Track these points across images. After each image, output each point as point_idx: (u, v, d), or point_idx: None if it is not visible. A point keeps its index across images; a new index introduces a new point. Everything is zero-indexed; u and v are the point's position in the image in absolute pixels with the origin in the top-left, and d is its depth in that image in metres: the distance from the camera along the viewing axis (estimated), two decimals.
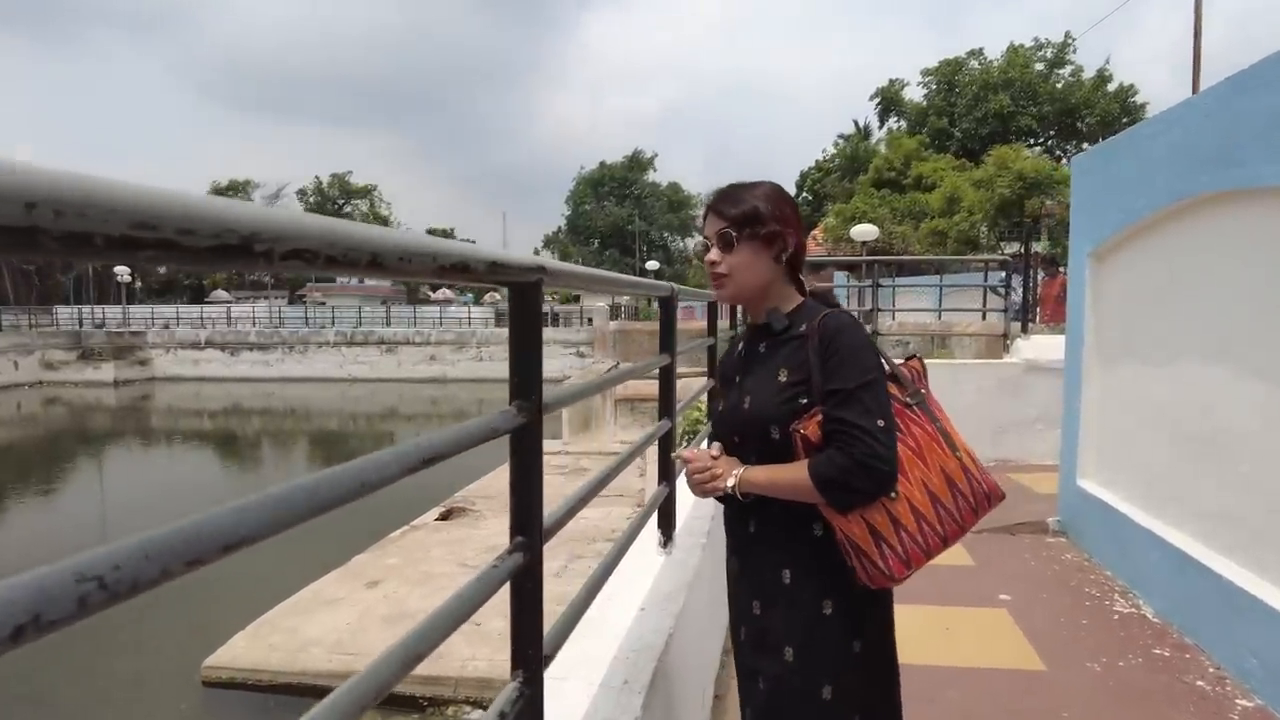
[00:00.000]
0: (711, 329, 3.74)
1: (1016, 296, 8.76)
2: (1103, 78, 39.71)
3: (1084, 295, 4.56)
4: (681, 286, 2.63)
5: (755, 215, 1.50)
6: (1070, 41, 40.92)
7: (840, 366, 1.43)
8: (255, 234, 0.56)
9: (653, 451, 2.59)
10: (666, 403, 2.48)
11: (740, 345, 1.66)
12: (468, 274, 0.93)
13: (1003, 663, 3.23)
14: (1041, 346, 6.51)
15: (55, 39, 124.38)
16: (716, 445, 1.61)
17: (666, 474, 2.52)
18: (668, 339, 2.46)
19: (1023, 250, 7.04)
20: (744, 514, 1.55)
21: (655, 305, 2.26)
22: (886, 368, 1.52)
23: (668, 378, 2.47)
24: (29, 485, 17.36)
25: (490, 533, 8.49)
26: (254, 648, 6.22)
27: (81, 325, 38.27)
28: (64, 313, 41.31)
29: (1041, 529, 4.95)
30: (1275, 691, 2.78)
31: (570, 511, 1.41)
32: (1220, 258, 3.29)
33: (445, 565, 7.49)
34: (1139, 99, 38.31)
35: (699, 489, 1.57)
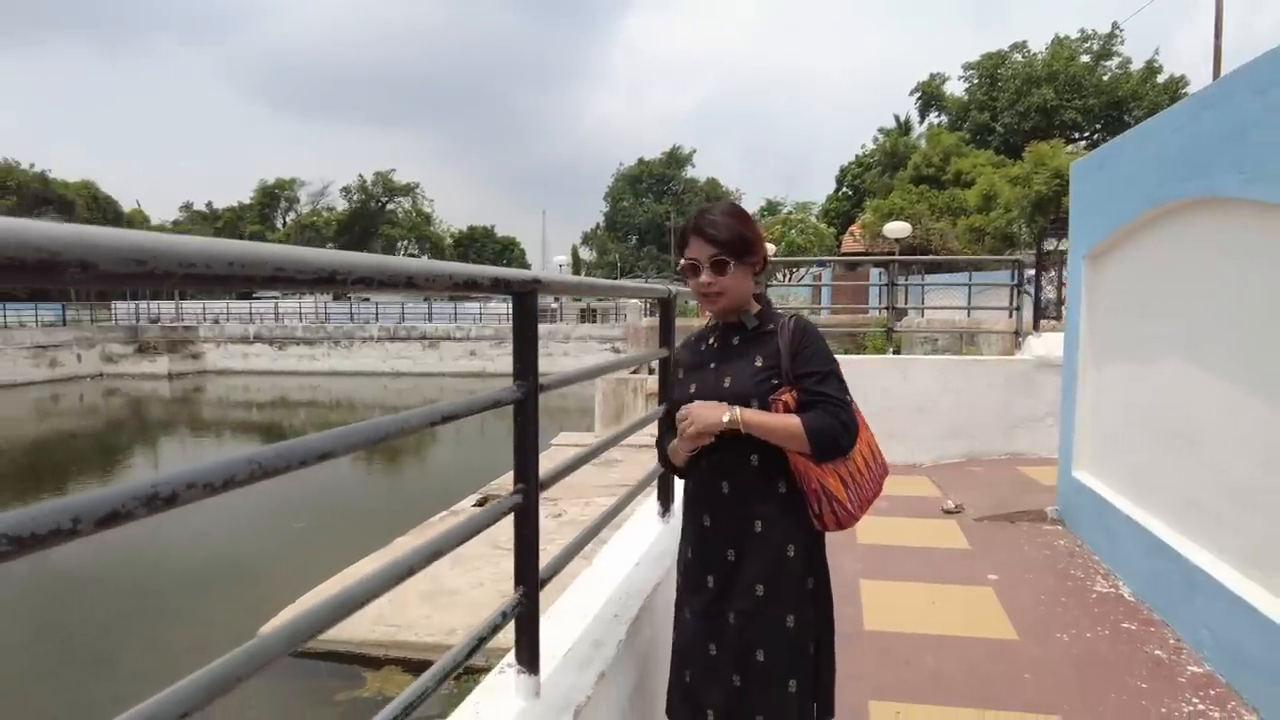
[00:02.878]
0: None
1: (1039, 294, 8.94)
2: (1152, 69, 38.86)
3: (1080, 296, 4.79)
4: (681, 288, 2.96)
5: (746, 243, 1.79)
6: (1118, 32, 40.13)
7: (814, 356, 1.79)
8: (343, 268, 0.93)
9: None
10: (665, 391, 2.84)
11: (711, 339, 1.96)
12: (477, 287, 1.30)
13: (979, 633, 3.52)
14: (1052, 344, 6.70)
15: (111, 45, 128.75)
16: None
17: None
18: (666, 334, 2.81)
19: (1037, 249, 7.21)
20: (716, 478, 1.85)
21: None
22: None
23: (666, 369, 2.82)
24: (94, 470, 18.37)
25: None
26: None
27: (138, 320, 39.79)
28: (122, 308, 42.93)
29: (1040, 518, 5.19)
30: (1222, 659, 3.05)
31: (564, 471, 1.79)
32: (1189, 262, 3.54)
33: (479, 547, 7.93)
34: (1191, 90, 37.37)
35: (701, 424, 1.76)
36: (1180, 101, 3.54)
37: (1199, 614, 3.23)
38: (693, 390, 1.90)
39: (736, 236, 1.78)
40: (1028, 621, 3.62)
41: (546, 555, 1.72)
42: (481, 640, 1.38)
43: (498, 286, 1.38)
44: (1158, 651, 3.29)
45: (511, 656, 1.65)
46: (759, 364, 1.81)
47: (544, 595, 1.64)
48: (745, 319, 1.88)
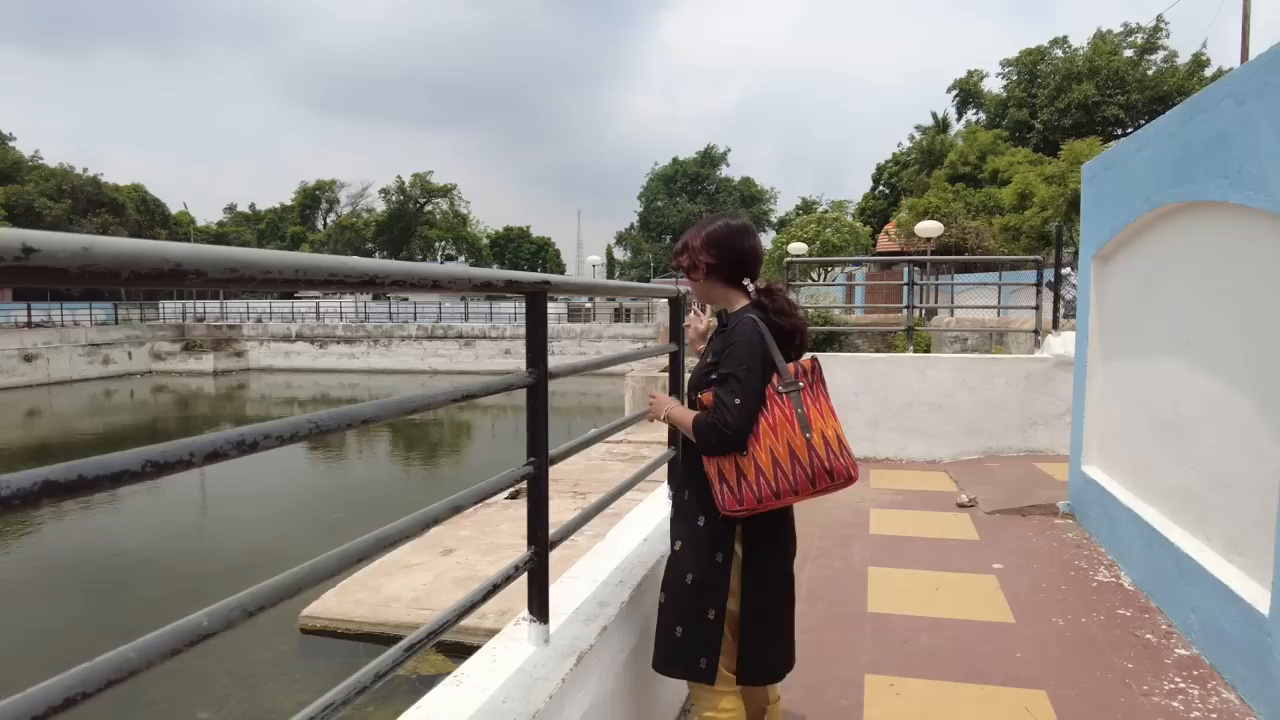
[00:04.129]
0: None
1: (1066, 294, 8.98)
2: (1199, 62, 38.00)
3: (1089, 295, 4.92)
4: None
5: (685, 257, 2.18)
6: (1162, 25, 39.32)
7: (729, 356, 1.98)
8: (382, 273, 1.19)
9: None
10: (675, 382, 3.07)
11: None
12: (492, 288, 1.55)
13: (977, 616, 3.69)
14: (1070, 342, 6.78)
15: (161, 52, 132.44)
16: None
17: (674, 439, 3.11)
18: (676, 332, 3.04)
19: (1056, 247, 7.28)
20: (676, 453, 2.31)
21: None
22: (774, 363, 2.00)
23: (676, 363, 3.06)
24: None
25: (552, 509, 9.18)
26: (343, 602, 7.08)
27: (185, 319, 41.00)
28: (169, 307, 44.27)
29: (1052, 511, 5.32)
30: (1207, 642, 3.19)
31: (571, 449, 2.03)
32: (1182, 263, 3.67)
33: (511, 537, 8.24)
34: None
35: (653, 412, 2.26)
36: (1175, 107, 3.68)
37: (1188, 599, 3.37)
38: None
39: (680, 254, 2.19)
40: (1026, 606, 3.78)
41: (575, 548, 1.99)
42: (496, 586, 1.63)
43: (511, 287, 1.63)
44: (1148, 635, 3.43)
45: (525, 610, 1.90)
46: (708, 360, 2.12)
47: (559, 565, 1.90)
48: (719, 318, 2.20)
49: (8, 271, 0.70)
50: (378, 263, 1.17)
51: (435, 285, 1.33)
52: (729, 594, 2.04)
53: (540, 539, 1.81)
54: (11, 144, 53.03)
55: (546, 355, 1.78)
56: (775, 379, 1.98)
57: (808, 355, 2.13)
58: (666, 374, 15.18)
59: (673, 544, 2.16)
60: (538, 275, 1.75)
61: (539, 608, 1.85)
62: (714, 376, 2.00)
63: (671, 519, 2.23)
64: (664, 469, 3.17)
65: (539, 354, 1.77)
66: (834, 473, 1.93)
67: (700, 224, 2.16)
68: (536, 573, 1.81)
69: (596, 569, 2.40)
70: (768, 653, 2.10)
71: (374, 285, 1.16)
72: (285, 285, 1.01)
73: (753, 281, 2.16)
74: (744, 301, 2.14)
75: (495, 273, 1.55)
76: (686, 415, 2.07)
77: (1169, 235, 3.81)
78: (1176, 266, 3.73)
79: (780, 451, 1.91)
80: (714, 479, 1.98)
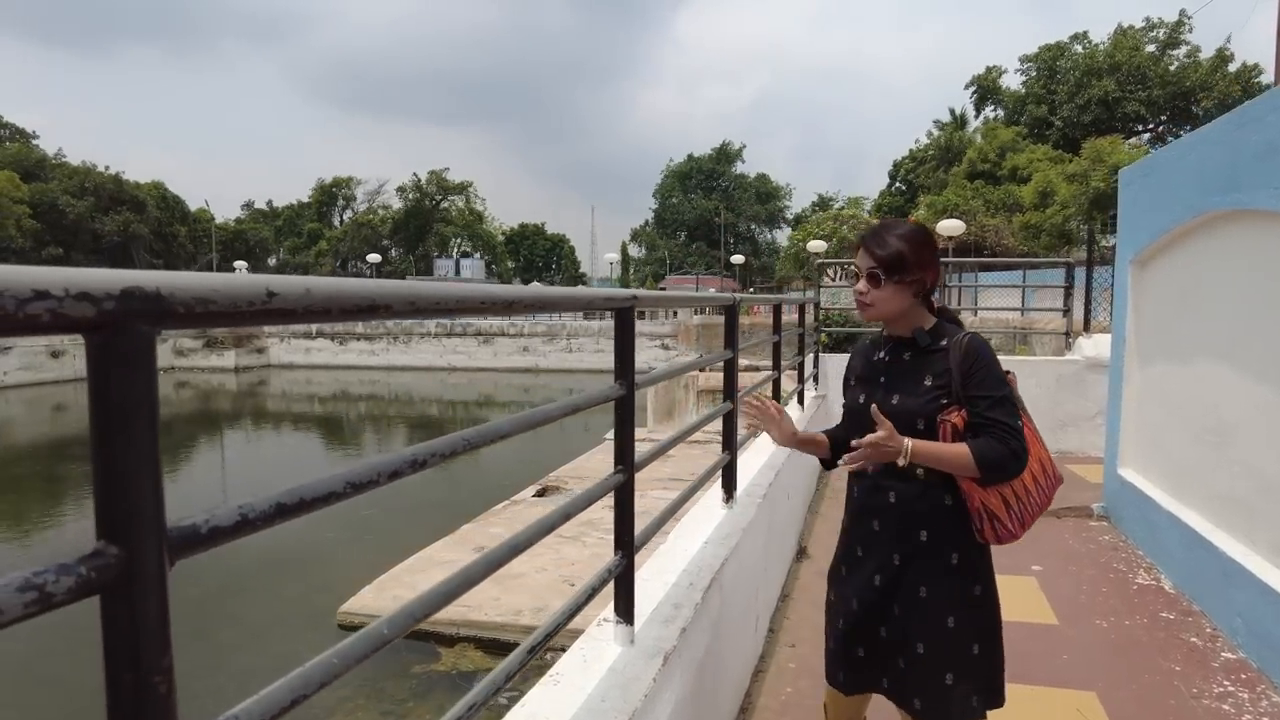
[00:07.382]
0: (776, 328, 4.40)
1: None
2: (1223, 57, 37.61)
3: (1126, 299, 4.95)
4: (743, 295, 3.28)
5: (901, 262, 1.82)
6: (1185, 20, 38.94)
7: (986, 378, 1.80)
8: (516, 298, 1.27)
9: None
10: (729, 388, 3.15)
11: (882, 352, 1.97)
12: (591, 305, 1.63)
13: (1021, 617, 3.74)
14: (1102, 345, 6.79)
15: (183, 51, 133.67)
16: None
17: (729, 445, 3.19)
18: (731, 338, 3.12)
19: (1089, 247, 7.28)
20: (885, 489, 1.91)
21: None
22: None
23: (730, 369, 3.13)
24: (177, 452, 19.43)
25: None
26: (380, 598, 7.21)
27: None
28: None
29: (1086, 514, 5.36)
30: (1254, 645, 3.23)
31: (653, 455, 2.11)
32: (1226, 269, 3.70)
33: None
34: (1265, 79, 35.99)
35: (877, 454, 1.79)
36: (1221, 117, 3.71)
37: (1233, 603, 3.41)
38: (861, 400, 1.96)
39: (894, 255, 1.83)
40: (1068, 609, 3.83)
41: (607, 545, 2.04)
42: (594, 590, 1.71)
43: (606, 303, 1.70)
44: (1193, 639, 3.48)
45: (609, 611, 1.98)
46: (928, 383, 1.85)
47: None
48: (918, 336, 1.90)
49: (255, 315, 0.78)
50: (514, 289, 1.25)
51: (554, 306, 1.41)
52: (995, 624, 1.92)
53: (626, 544, 1.88)
54: (35, 142, 53.71)
55: (634, 368, 1.85)
56: None
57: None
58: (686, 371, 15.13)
59: (916, 591, 1.87)
60: (627, 291, 1.83)
61: (625, 609, 1.93)
62: (979, 400, 1.78)
63: (897, 564, 1.89)
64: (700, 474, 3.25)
65: (627, 367, 1.84)
66: (1058, 480, 1.93)
67: (891, 229, 1.88)
68: (624, 577, 1.89)
69: (663, 570, 2.48)
70: (1001, 681, 1.96)
71: (512, 309, 1.24)
72: (447, 314, 1.09)
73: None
74: (932, 318, 1.93)
75: (595, 291, 1.64)
76: (949, 448, 1.77)
77: (1213, 242, 3.84)
78: (1220, 273, 3.77)
79: (1035, 469, 1.85)
80: (998, 509, 1.81)
